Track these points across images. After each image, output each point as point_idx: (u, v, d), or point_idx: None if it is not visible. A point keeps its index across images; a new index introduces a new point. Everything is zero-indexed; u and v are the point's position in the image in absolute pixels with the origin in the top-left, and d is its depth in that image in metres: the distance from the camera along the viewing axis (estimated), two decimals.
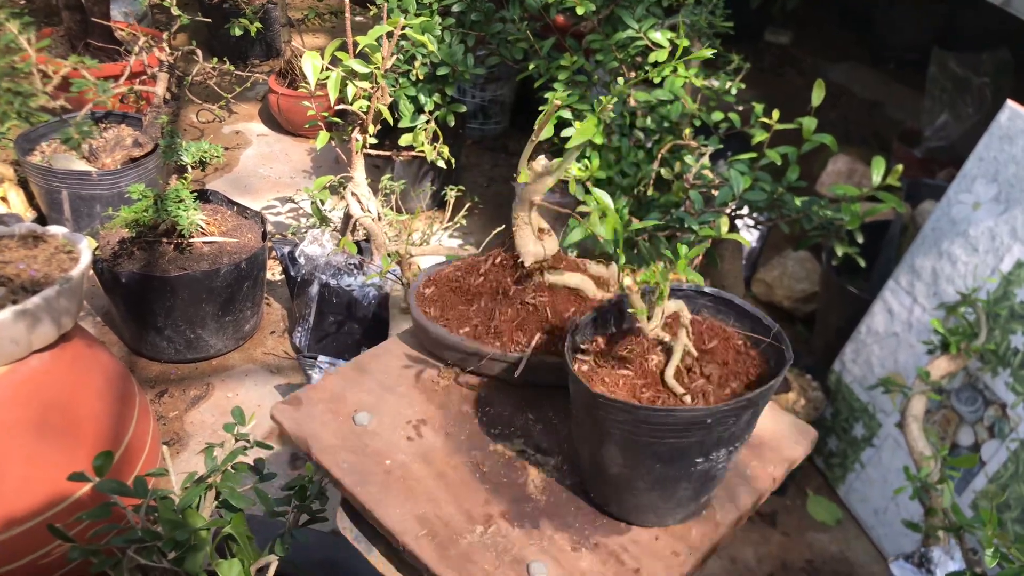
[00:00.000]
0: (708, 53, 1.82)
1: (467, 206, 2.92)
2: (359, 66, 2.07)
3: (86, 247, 1.74)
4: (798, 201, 1.96)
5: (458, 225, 3.06)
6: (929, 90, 3.34)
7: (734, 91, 2.63)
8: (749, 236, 2.83)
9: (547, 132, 1.28)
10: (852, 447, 2.17)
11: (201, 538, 1.34)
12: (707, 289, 1.14)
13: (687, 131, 2.32)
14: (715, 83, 2.55)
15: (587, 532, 1.04)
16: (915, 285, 2.06)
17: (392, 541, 1.07)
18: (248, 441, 1.43)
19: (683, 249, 1.06)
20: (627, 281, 0.98)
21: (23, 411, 1.65)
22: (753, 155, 1.89)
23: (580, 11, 2.29)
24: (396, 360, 1.37)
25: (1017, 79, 3.16)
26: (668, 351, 1.04)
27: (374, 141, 2.24)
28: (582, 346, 1.07)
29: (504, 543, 1.02)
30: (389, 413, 1.26)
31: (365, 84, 2.13)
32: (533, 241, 1.29)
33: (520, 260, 1.35)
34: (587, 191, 2.39)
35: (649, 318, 1.02)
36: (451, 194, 2.71)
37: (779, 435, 1.22)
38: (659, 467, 0.98)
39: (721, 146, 2.14)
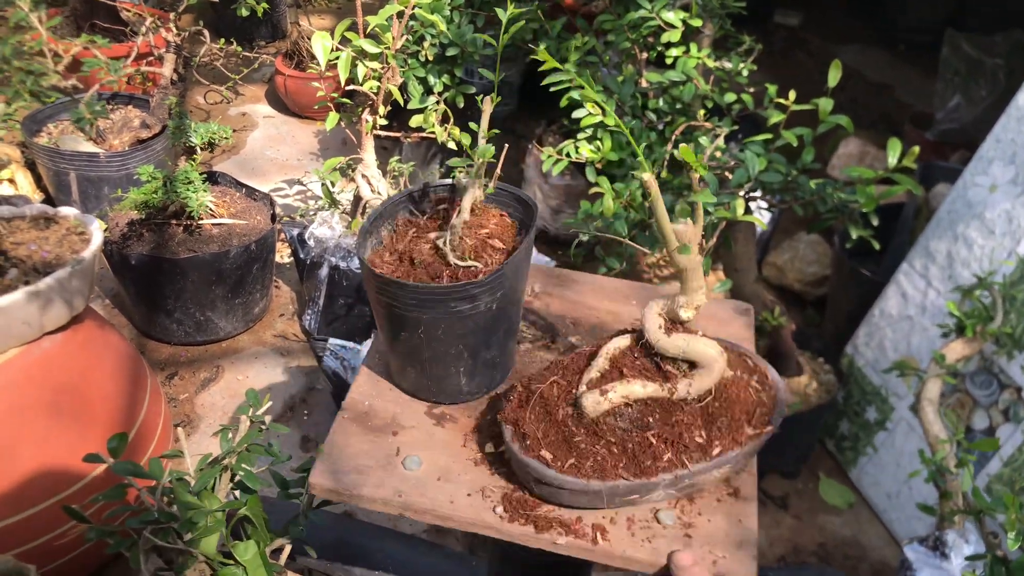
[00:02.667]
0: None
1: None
2: (370, 46, 2.05)
3: (97, 228, 1.73)
4: (813, 183, 1.95)
5: None
6: (942, 72, 3.31)
7: (746, 72, 2.61)
8: (762, 219, 2.81)
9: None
10: (864, 430, 2.17)
11: (217, 520, 1.34)
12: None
13: (700, 112, 2.30)
14: (728, 64, 2.53)
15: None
16: (930, 268, 2.05)
17: None
18: (264, 424, 1.43)
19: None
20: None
21: (36, 393, 1.65)
22: (768, 136, 1.88)
23: None
24: None
25: None
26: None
27: (384, 122, 2.22)
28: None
29: None
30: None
31: (375, 64, 2.11)
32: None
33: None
34: (599, 173, 2.37)
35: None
36: (460, 176, 2.69)
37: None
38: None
39: (736, 127, 2.12)
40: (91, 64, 2.35)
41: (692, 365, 1.01)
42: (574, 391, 1.01)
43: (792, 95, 1.80)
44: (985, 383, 1.90)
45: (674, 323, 1.03)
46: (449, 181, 1.23)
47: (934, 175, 2.43)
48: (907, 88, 4.22)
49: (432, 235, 1.12)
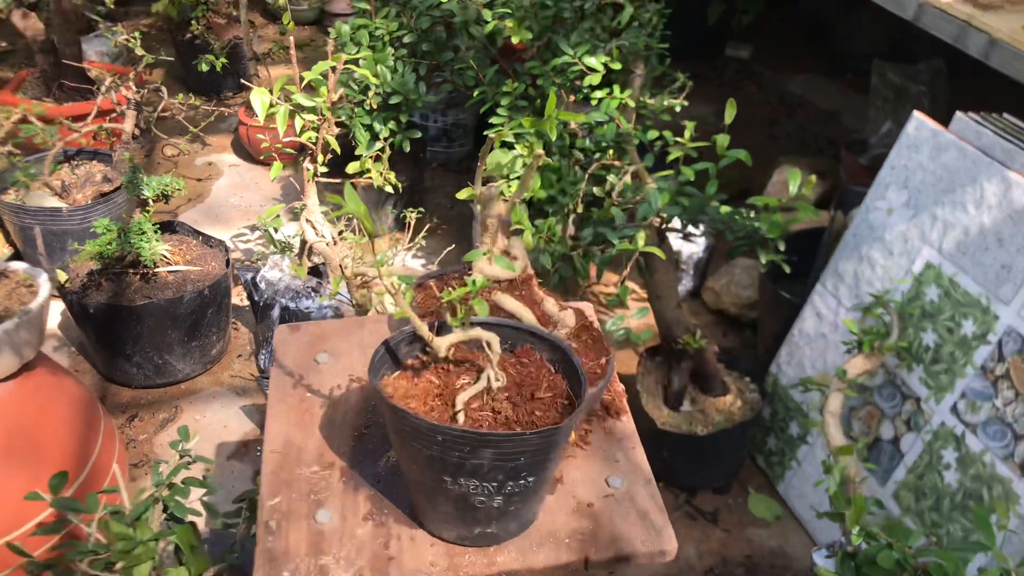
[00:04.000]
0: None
1: (426, 227, 3.03)
2: (305, 100, 2.19)
3: (45, 281, 1.85)
4: (723, 211, 2.08)
5: (420, 246, 3.17)
6: (872, 100, 3.46)
7: (678, 109, 2.75)
8: (695, 246, 2.94)
9: (492, 163, 1.39)
10: (789, 445, 2.27)
11: (148, 549, 1.45)
12: (562, 344, 1.18)
13: (630, 149, 2.44)
14: (651, 102, 2.67)
15: (386, 512, 1.19)
16: (839, 288, 2.17)
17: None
18: (191, 456, 1.54)
19: (480, 280, 1.16)
20: (385, 281, 1.06)
21: None
22: (669, 172, 2.01)
23: (515, 40, 2.41)
24: (387, 332, 1.54)
25: (951, 86, 3.28)
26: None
27: (324, 169, 2.35)
28: (410, 358, 1.18)
29: (323, 487, 1.21)
30: (344, 363, 1.46)
31: (312, 117, 2.25)
32: (488, 264, 1.39)
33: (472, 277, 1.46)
34: (531, 209, 2.50)
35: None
36: (411, 216, 2.82)
37: (634, 529, 1.22)
38: (416, 469, 1.08)
39: (658, 162, 2.24)
40: (29, 130, 2.51)
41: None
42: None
43: (687, 135, 1.94)
44: (890, 395, 2.01)
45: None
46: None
47: (852, 199, 2.56)
48: (853, 115, 4.38)
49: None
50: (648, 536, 1.21)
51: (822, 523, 2.16)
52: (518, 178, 2.42)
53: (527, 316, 1.43)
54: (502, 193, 2.30)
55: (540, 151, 1.21)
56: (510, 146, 2.48)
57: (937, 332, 1.90)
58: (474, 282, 1.25)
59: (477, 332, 1.13)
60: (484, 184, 1.36)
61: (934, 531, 1.87)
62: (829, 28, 4.86)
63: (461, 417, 1.09)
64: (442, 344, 1.14)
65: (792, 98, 4.57)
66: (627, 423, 1.39)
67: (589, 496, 1.27)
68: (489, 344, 1.12)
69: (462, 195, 1.40)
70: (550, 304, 1.47)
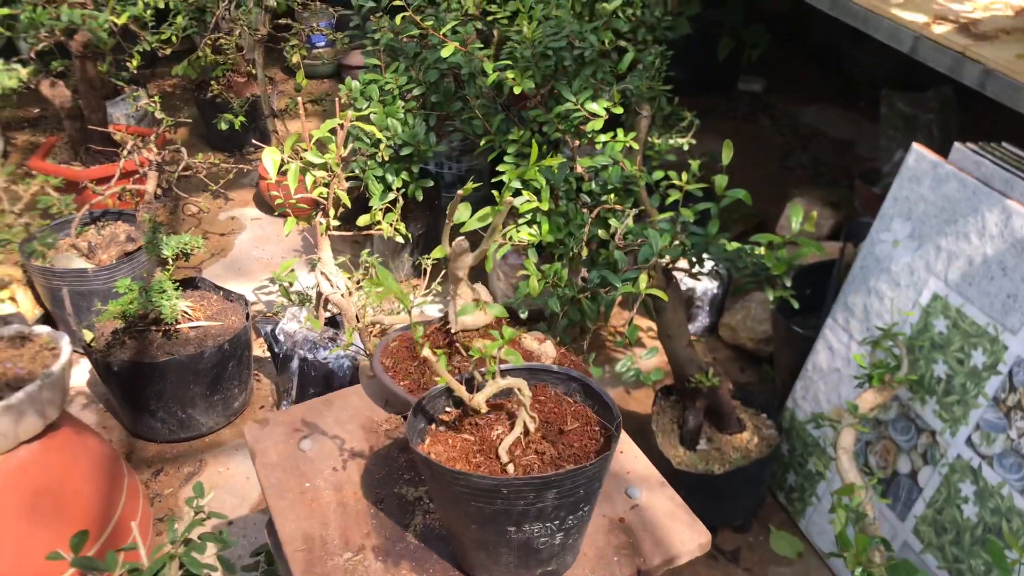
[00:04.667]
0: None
1: (443, 272, 3.07)
2: (314, 157, 2.25)
3: (66, 344, 1.91)
4: (729, 248, 2.09)
5: (435, 291, 3.21)
6: (883, 129, 3.47)
7: (686, 147, 2.79)
8: (710, 284, 2.95)
9: (462, 217, 1.42)
10: (808, 481, 2.26)
11: None
12: (575, 374, 1.24)
13: (638, 190, 2.47)
14: (659, 141, 2.71)
15: None
16: (850, 321, 2.17)
17: (279, 549, 1.24)
18: (204, 513, 1.57)
19: (508, 331, 1.18)
20: (425, 352, 1.09)
21: (14, 498, 1.81)
22: (670, 214, 2.03)
23: (517, 90, 2.46)
24: (358, 401, 1.55)
25: (961, 114, 3.28)
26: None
27: (336, 223, 2.41)
28: (439, 415, 1.20)
29: (362, 571, 1.18)
30: (330, 444, 1.44)
31: (322, 173, 2.31)
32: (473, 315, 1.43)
33: (448, 327, 1.50)
34: (540, 254, 2.52)
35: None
36: (427, 263, 2.87)
37: (670, 531, 1.28)
38: (476, 528, 1.09)
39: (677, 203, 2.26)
40: (45, 201, 2.62)
41: None
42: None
43: (685, 177, 1.96)
44: (904, 428, 2.00)
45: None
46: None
47: (862, 231, 2.56)
48: (867, 144, 4.38)
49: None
50: (684, 534, 1.25)
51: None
52: (527, 222, 2.47)
53: (552, 353, 1.47)
54: (510, 238, 2.34)
55: (509, 199, 1.25)
56: (517, 192, 2.53)
57: (948, 363, 1.89)
58: (502, 335, 1.27)
59: (508, 381, 1.16)
60: (451, 240, 1.40)
61: (956, 567, 1.84)
62: (840, 57, 4.88)
63: (511, 468, 1.12)
64: (481, 399, 1.16)
65: (806, 129, 4.59)
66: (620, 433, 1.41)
67: (617, 511, 1.30)
68: (520, 390, 1.15)
69: (436, 254, 1.44)
70: (528, 340, 1.51)
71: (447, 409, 1.22)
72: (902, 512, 1.99)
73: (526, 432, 1.16)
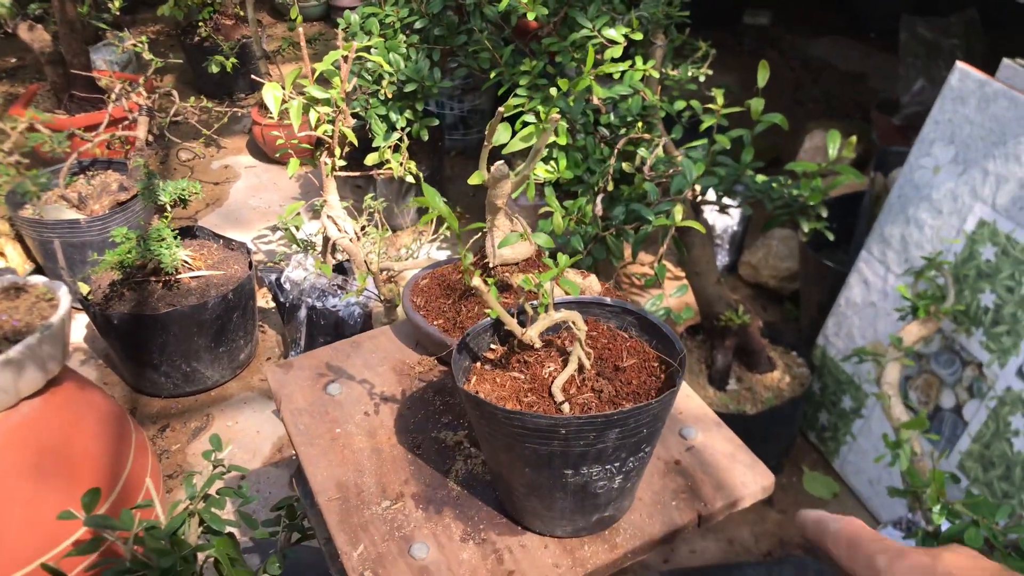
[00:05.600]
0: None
1: None
2: (318, 92, 2.12)
3: (65, 294, 1.80)
4: (760, 180, 1.99)
5: (443, 236, 3.10)
6: (903, 57, 3.34)
7: (702, 78, 2.65)
8: (730, 219, 2.85)
9: (502, 138, 1.31)
10: (842, 420, 2.18)
11: (187, 564, 1.39)
12: (629, 306, 1.14)
13: (656, 122, 2.35)
14: (676, 72, 2.58)
15: (482, 527, 1.08)
16: (887, 253, 2.07)
17: (311, 499, 1.15)
18: (224, 467, 1.48)
19: (563, 259, 1.08)
20: (475, 282, 0.99)
21: (18, 456, 1.71)
22: (704, 142, 1.92)
23: (531, 17, 2.32)
24: (388, 343, 1.45)
25: (987, 38, 3.15)
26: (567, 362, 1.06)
27: (343, 163, 2.28)
28: (484, 352, 1.10)
29: (402, 520, 1.09)
30: (359, 389, 1.34)
31: (327, 109, 2.18)
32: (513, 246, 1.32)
33: (486, 261, 1.39)
34: (558, 191, 2.41)
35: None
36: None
37: (730, 473, 1.19)
38: (529, 472, 1.00)
39: (682, 135, 2.16)
40: (35, 139, 2.45)
41: None
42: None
43: (720, 100, 1.84)
44: (948, 362, 1.92)
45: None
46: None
47: (891, 160, 2.46)
48: (879, 76, 4.25)
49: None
50: (746, 476, 1.16)
51: (883, 499, 2.07)
52: (543, 159, 2.35)
53: (596, 288, 1.36)
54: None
55: (556, 115, 1.13)
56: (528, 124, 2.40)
57: (996, 292, 1.80)
58: (555, 264, 1.17)
59: (563, 314, 1.05)
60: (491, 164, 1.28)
61: (1006, 502, 1.77)
62: None
63: (567, 407, 1.02)
64: (534, 333, 1.06)
65: (815, 62, 4.45)
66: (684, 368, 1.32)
67: (672, 454, 1.21)
68: (575, 323, 1.05)
69: (474, 180, 1.33)
70: (572, 275, 1.40)
71: (492, 346, 1.12)
72: (945, 448, 1.92)
73: (580, 369, 1.06)
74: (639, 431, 0.98)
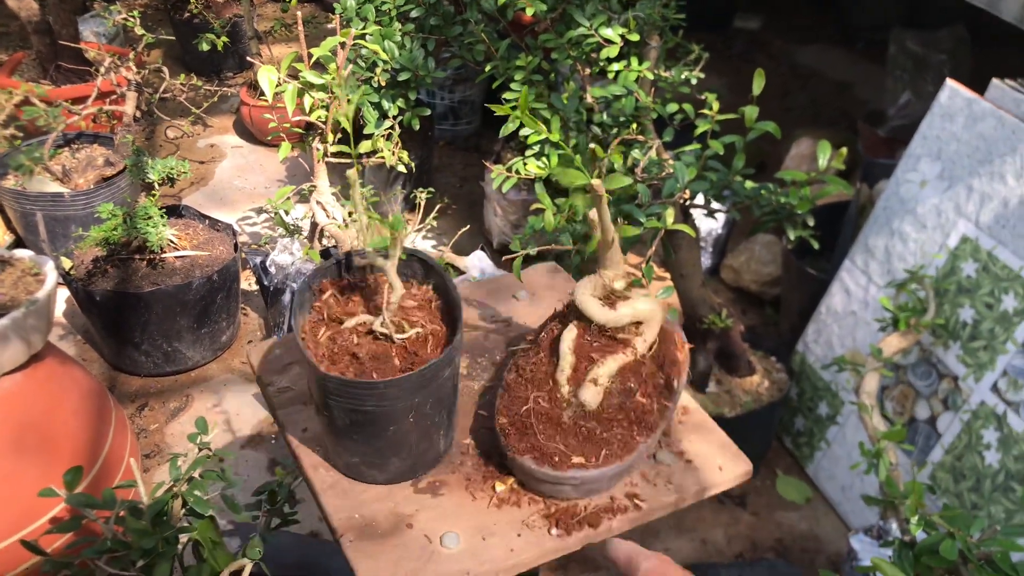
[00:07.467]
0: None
1: (437, 207, 2.95)
2: (314, 77, 2.11)
3: (51, 268, 1.78)
4: (748, 186, 2.01)
5: (430, 226, 3.10)
6: (891, 70, 3.38)
7: (694, 81, 2.67)
8: (714, 223, 2.87)
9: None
10: (818, 426, 2.22)
11: (168, 545, 1.39)
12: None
13: (633, 126, 2.36)
14: (669, 74, 2.59)
15: None
16: (869, 264, 2.11)
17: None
18: (210, 450, 1.48)
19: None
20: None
21: None
22: (697, 147, 1.94)
23: (530, 12, 2.32)
24: None
25: (974, 55, 3.20)
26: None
27: (335, 149, 2.28)
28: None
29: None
30: None
31: (321, 95, 2.17)
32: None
33: None
34: (548, 188, 2.42)
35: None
36: (421, 196, 2.75)
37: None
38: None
39: (673, 138, 2.18)
40: (30, 112, 2.42)
41: (637, 323, 1.08)
42: (559, 394, 1.05)
43: (715, 106, 1.86)
44: (925, 374, 1.96)
45: (610, 296, 1.08)
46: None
47: (877, 172, 2.49)
48: (866, 86, 4.29)
49: (355, 321, 1.07)
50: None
51: (855, 506, 2.11)
52: (535, 155, 2.36)
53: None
54: (517, 172, 2.23)
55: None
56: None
57: (975, 308, 1.84)
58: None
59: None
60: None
61: (975, 513, 1.81)
62: None
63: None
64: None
65: (804, 69, 4.49)
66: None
67: None
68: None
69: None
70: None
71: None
72: (918, 458, 1.96)
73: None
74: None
